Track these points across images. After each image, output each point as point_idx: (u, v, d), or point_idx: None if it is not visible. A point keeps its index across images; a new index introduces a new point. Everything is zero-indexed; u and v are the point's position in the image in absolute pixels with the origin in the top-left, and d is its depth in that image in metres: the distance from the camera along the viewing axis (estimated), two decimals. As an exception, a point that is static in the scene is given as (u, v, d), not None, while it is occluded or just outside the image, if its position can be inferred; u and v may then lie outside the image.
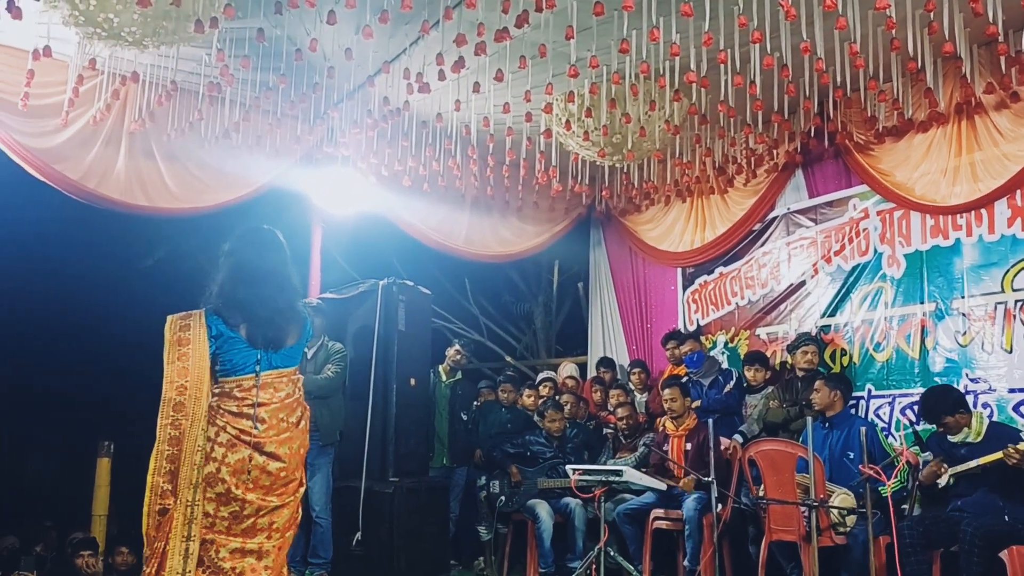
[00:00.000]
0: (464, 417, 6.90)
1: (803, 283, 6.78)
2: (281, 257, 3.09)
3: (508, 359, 11.10)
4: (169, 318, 2.93)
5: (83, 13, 4.46)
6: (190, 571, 2.75)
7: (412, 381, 6.26)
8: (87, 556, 5.73)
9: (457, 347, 7.03)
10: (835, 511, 4.68)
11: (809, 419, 4.70)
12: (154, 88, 5.94)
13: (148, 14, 4.51)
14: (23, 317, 11.43)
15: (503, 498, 6.30)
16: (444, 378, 6.84)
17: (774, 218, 7.06)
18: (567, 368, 8.17)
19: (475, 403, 7.18)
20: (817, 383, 5.41)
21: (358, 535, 5.75)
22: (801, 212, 6.88)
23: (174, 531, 2.75)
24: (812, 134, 6.27)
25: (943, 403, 4.70)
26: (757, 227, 7.16)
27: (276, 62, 5.56)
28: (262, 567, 2.87)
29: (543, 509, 6.04)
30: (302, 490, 3.03)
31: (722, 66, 4.95)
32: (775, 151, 6.70)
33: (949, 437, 4.67)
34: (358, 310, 6.42)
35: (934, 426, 4.80)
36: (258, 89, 5.89)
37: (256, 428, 2.86)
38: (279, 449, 2.89)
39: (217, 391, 2.96)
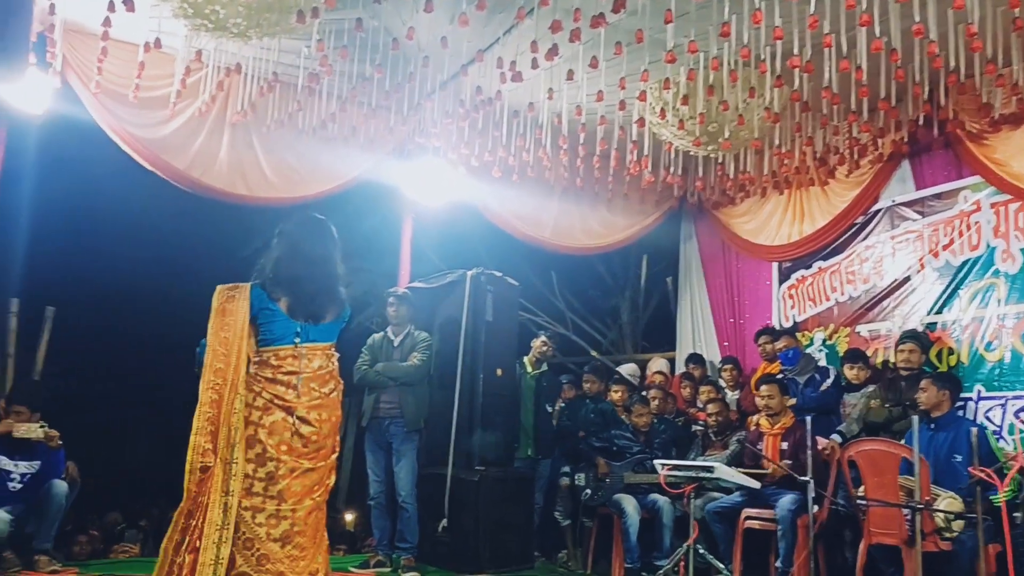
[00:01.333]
0: (549, 409, 6.86)
1: (908, 279, 6.50)
2: (332, 245, 3.32)
3: (594, 353, 11.02)
4: (218, 288, 3.14)
5: (191, 5, 4.61)
6: (228, 524, 2.95)
7: (499, 371, 6.26)
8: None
9: (543, 339, 6.99)
10: (940, 515, 4.45)
11: (915, 419, 4.47)
12: (255, 80, 6.13)
13: (252, 6, 4.63)
14: (127, 307, 12.01)
15: (588, 491, 6.24)
16: (530, 370, 6.82)
17: (878, 211, 6.80)
18: (656, 363, 8.04)
19: (560, 398, 7.13)
20: (924, 382, 5.16)
21: (444, 522, 5.79)
22: (907, 204, 6.59)
23: (214, 486, 2.96)
24: (921, 122, 5.98)
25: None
26: (859, 220, 6.91)
27: (373, 53, 5.64)
28: (295, 532, 3.05)
29: (629, 504, 5.95)
30: (333, 456, 3.21)
31: (827, 50, 4.74)
32: (880, 141, 6.42)
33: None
34: (446, 300, 6.46)
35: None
36: (354, 80, 5.99)
37: (288, 394, 3.08)
38: (309, 415, 3.08)
39: (256, 360, 3.17)
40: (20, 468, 5.07)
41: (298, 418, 3.07)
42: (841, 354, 6.63)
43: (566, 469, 6.58)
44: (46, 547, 5.05)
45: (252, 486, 3.02)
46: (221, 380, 3.03)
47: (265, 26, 4.89)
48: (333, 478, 3.28)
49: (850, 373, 6.06)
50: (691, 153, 6.30)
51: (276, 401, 3.06)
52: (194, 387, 3.20)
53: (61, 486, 5.08)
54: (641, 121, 5.94)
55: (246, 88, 6.19)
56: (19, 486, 5.05)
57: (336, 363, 3.29)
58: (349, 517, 10.97)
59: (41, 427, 5.04)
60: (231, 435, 3.01)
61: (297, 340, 3.14)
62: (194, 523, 2.97)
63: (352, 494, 12.55)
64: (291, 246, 3.23)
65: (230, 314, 3.08)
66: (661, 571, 5.32)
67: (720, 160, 7.02)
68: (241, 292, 3.12)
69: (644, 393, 6.88)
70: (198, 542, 2.95)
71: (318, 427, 3.11)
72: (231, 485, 2.98)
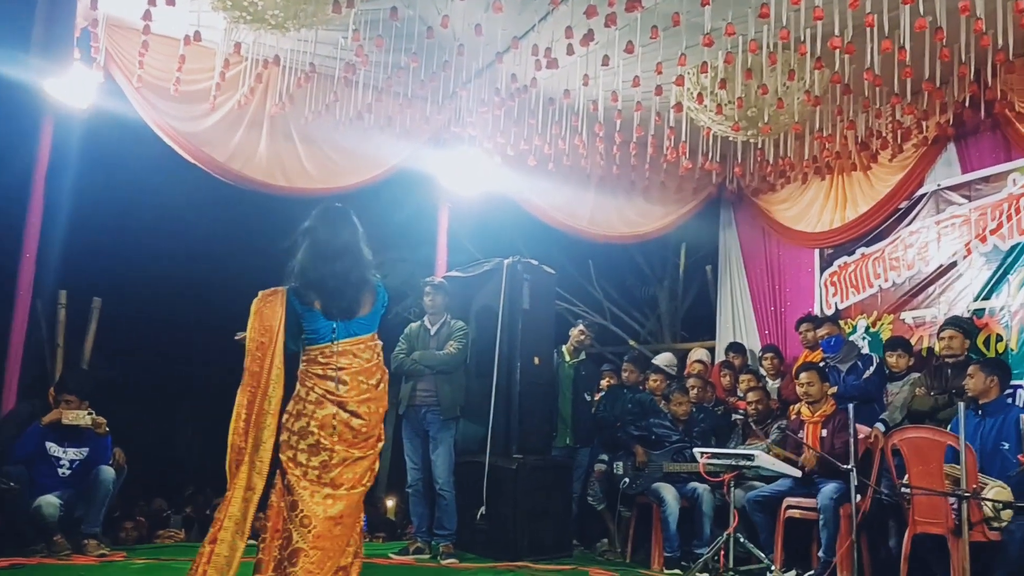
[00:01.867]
0: (588, 398, 6.84)
1: (954, 264, 6.36)
2: (353, 232, 3.34)
3: (632, 343, 10.96)
4: (260, 293, 3.27)
5: (230, -3, 4.67)
6: (247, 518, 3.14)
7: (536, 360, 6.26)
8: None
9: (581, 327, 6.96)
10: (988, 505, 4.35)
11: (961, 405, 4.37)
12: (293, 72, 6.19)
13: (290, -3, 4.68)
14: (171, 297, 12.25)
15: (627, 480, 6.21)
16: (568, 358, 6.80)
17: (922, 195, 6.66)
18: (696, 352, 7.98)
19: (599, 386, 7.11)
20: (971, 368, 5.05)
21: (482, 509, 5.81)
22: (953, 188, 6.45)
23: (239, 483, 3.15)
24: (967, 104, 5.81)
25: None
26: (903, 205, 6.77)
27: (408, 43, 5.66)
28: (346, 514, 3.23)
29: (669, 492, 5.92)
30: (380, 444, 3.32)
31: (869, 31, 4.63)
32: (925, 123, 6.28)
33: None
34: (483, 289, 6.47)
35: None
36: (390, 70, 6.02)
37: (339, 389, 3.19)
38: (360, 408, 3.21)
39: (305, 358, 3.31)
40: (69, 455, 5.20)
41: (349, 412, 3.19)
42: (884, 341, 6.50)
43: (603, 457, 6.57)
44: (94, 531, 5.17)
45: (307, 473, 3.19)
46: (255, 383, 3.18)
47: (302, 17, 4.95)
48: (379, 464, 3.40)
49: (892, 361, 5.95)
50: (730, 139, 6.22)
51: (328, 396, 3.18)
52: (233, 372, 3.30)
53: (108, 472, 5.20)
54: (678, 106, 5.87)
55: (284, 80, 6.26)
56: (68, 472, 5.18)
57: (381, 354, 3.37)
58: (389, 504, 11.07)
59: (89, 414, 5.17)
60: (259, 435, 3.17)
61: (334, 337, 3.24)
62: (220, 516, 3.16)
63: (391, 482, 12.66)
64: (313, 245, 3.29)
65: (266, 318, 3.22)
66: (701, 560, 5.29)
67: (759, 145, 6.93)
68: (278, 296, 3.25)
69: (683, 382, 6.83)
70: (218, 534, 3.12)
71: (367, 419, 3.23)
72: (255, 482, 3.15)
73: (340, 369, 3.20)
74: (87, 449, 5.23)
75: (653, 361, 7.81)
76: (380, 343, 3.39)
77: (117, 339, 9.05)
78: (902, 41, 4.61)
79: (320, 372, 3.21)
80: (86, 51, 5.75)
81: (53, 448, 5.16)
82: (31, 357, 6.00)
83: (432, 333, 6.00)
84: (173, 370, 14.40)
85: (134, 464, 5.65)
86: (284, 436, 3.25)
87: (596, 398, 6.99)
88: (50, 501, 4.92)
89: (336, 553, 3.18)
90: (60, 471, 5.16)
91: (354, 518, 3.27)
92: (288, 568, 3.11)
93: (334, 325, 3.25)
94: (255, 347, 3.22)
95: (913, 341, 6.37)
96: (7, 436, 5.15)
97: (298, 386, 3.27)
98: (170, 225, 10.87)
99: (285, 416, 3.26)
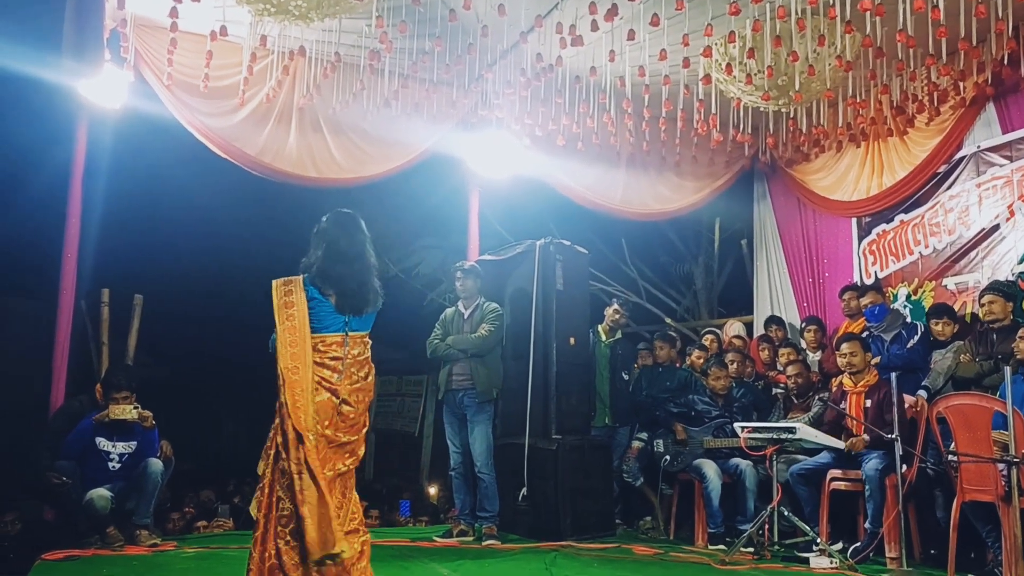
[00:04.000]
0: (625, 377, 6.82)
1: (997, 227, 6.22)
2: (364, 239, 3.63)
3: (668, 321, 10.89)
4: (274, 283, 3.49)
5: (253, -10, 4.69)
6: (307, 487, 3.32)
7: (571, 340, 6.25)
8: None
9: (616, 306, 6.94)
10: (1039, 471, 4.26)
11: (1007, 370, 4.28)
12: (319, 63, 6.21)
13: (312, -13, 4.69)
14: (209, 291, 12.42)
15: (667, 457, 6.19)
16: (604, 338, 6.78)
17: (961, 158, 6.51)
18: (734, 327, 7.90)
19: (635, 365, 7.09)
20: (1022, 330, 4.93)
21: (524, 491, 5.84)
22: (993, 150, 6.30)
23: (310, 453, 3.34)
24: (1005, 62, 5.64)
25: None
26: (942, 169, 6.63)
27: (431, 27, 5.65)
28: (340, 485, 3.48)
29: (710, 468, 5.89)
30: (365, 430, 3.59)
31: (900, -10, 4.54)
32: (962, 84, 6.12)
33: None
34: (516, 271, 6.47)
35: None
36: (415, 56, 6.01)
37: (335, 377, 3.45)
38: (350, 397, 3.47)
39: None
40: (118, 448, 5.31)
41: (341, 400, 3.45)
42: (927, 309, 6.38)
43: (641, 435, 6.55)
44: (145, 522, 5.28)
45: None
46: (296, 363, 3.40)
47: (325, 6, 4.96)
48: (363, 449, 3.62)
49: (937, 329, 5.82)
50: (761, 109, 6.12)
51: (323, 383, 3.42)
52: (274, 369, 3.43)
53: (157, 464, 5.30)
54: (707, 78, 5.79)
55: (310, 71, 6.29)
56: (118, 465, 5.29)
57: (370, 350, 3.62)
58: (432, 491, 11.18)
59: (135, 408, 5.27)
60: (309, 408, 3.39)
61: (346, 329, 3.51)
62: (298, 484, 3.31)
63: (434, 468, 12.77)
64: (332, 247, 3.54)
65: (292, 305, 3.46)
66: (745, 535, 5.25)
67: (791, 115, 6.81)
68: (296, 284, 3.49)
69: (721, 356, 6.78)
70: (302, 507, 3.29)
71: (356, 407, 3.50)
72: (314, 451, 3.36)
73: (338, 359, 3.46)
74: (135, 443, 5.33)
75: (724, 331, 7.76)
76: (370, 341, 3.64)
77: (160, 335, 9.22)
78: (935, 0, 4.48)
79: (319, 360, 3.44)
80: (116, 52, 5.82)
81: (103, 443, 5.27)
82: (77, 355, 6.12)
83: (466, 317, 6.02)
84: (214, 364, 14.64)
85: (181, 458, 5.76)
86: (278, 421, 3.43)
87: (634, 375, 6.97)
88: (102, 494, 5.03)
89: (336, 519, 3.37)
90: (110, 465, 5.28)
91: (343, 492, 3.48)
92: (296, 532, 3.31)
93: (345, 319, 3.52)
94: (287, 331, 3.42)
95: (956, 307, 6.25)
96: (58, 432, 5.28)
97: (313, 369, 3.47)
98: (205, 220, 11.01)
99: (279, 403, 3.43)
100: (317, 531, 3.28)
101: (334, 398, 3.44)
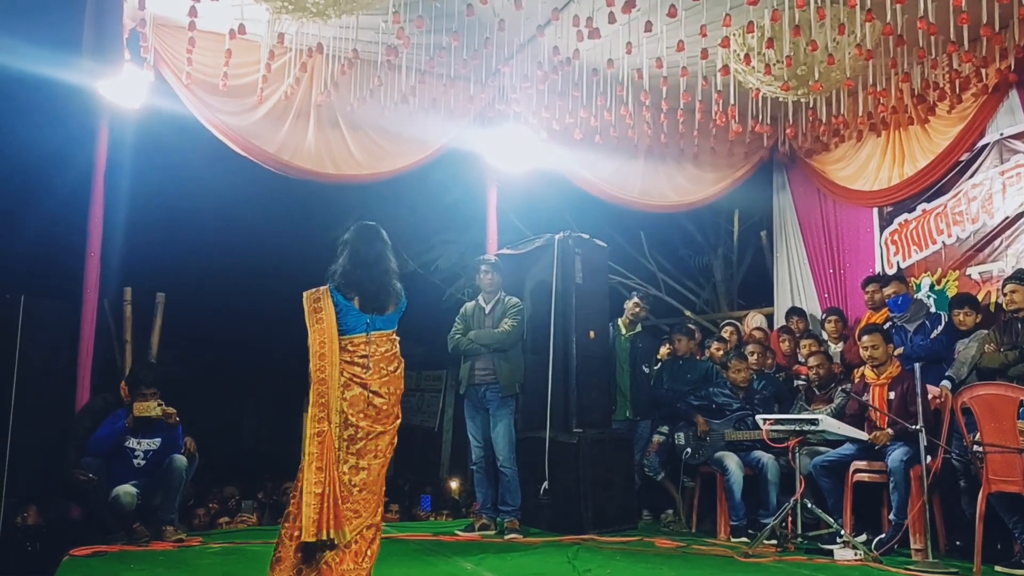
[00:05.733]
0: (646, 370, 6.81)
1: (1021, 215, 6.14)
2: (384, 246, 3.95)
3: (687, 314, 10.85)
4: (305, 293, 3.81)
5: (271, -12, 4.71)
6: (343, 472, 3.67)
7: (591, 334, 6.25)
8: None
9: (636, 299, 6.92)
10: (1068, 462, 4.21)
11: (1033, 359, 4.23)
12: (336, 60, 6.23)
13: (328, -17, 4.70)
14: (230, 289, 12.51)
15: (688, 450, 6.17)
16: (624, 331, 6.77)
17: (984, 146, 6.43)
18: (755, 319, 7.87)
19: (656, 358, 7.06)
20: (1044, 321, 4.88)
21: (545, 484, 5.85)
22: (1017, 137, 6.21)
23: (329, 447, 3.64)
24: (1029, 47, 5.58)
25: None
26: (965, 157, 6.54)
27: (448, 22, 5.65)
28: (370, 481, 3.73)
29: (732, 461, 5.86)
30: (398, 422, 3.87)
31: (921, -23, 4.49)
32: (984, 71, 6.04)
33: None
34: (535, 265, 6.47)
35: None
36: (432, 51, 6.02)
37: (365, 373, 3.75)
38: (381, 389, 3.76)
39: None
40: (143, 445, 5.36)
41: (372, 392, 3.74)
42: (950, 299, 6.31)
43: (663, 428, 6.54)
44: (171, 518, 5.34)
45: (337, 445, 3.72)
46: (325, 362, 3.71)
47: (343, 3, 4.97)
48: (396, 439, 3.89)
49: (960, 319, 5.76)
50: (780, 99, 6.07)
51: (355, 379, 3.73)
52: (297, 360, 3.47)
53: (181, 460, 5.35)
54: (725, 69, 5.75)
55: (328, 68, 6.31)
56: (143, 462, 5.35)
57: (398, 346, 3.93)
58: (453, 485, 11.21)
59: (159, 405, 5.32)
60: (336, 404, 3.70)
61: (368, 328, 3.80)
62: (325, 477, 3.59)
63: (455, 463, 12.81)
64: (353, 253, 3.87)
65: (321, 311, 3.77)
66: (768, 527, 5.23)
67: (811, 105, 6.75)
68: (324, 293, 3.80)
69: (742, 348, 6.75)
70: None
71: (387, 398, 3.78)
72: (338, 443, 3.68)
73: (365, 357, 3.76)
74: (160, 439, 5.39)
75: (744, 323, 7.72)
76: (398, 338, 3.93)
77: (182, 332, 9.31)
78: (957, -15, 4.43)
79: (348, 359, 3.74)
80: (135, 52, 5.87)
81: (128, 440, 5.33)
82: (101, 353, 6.19)
83: (487, 312, 6.02)
84: (236, 361, 14.76)
85: (204, 454, 5.81)
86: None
87: (655, 368, 6.94)
88: (127, 491, 5.09)
89: (367, 513, 3.69)
90: (135, 461, 5.33)
91: (378, 484, 3.76)
92: None
93: (367, 319, 3.81)
94: (317, 335, 3.72)
95: (980, 296, 6.19)
96: (84, 429, 5.34)
97: (341, 368, 3.77)
98: (226, 218, 11.08)
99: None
100: (315, 513, 3.50)
101: (365, 391, 3.73)
